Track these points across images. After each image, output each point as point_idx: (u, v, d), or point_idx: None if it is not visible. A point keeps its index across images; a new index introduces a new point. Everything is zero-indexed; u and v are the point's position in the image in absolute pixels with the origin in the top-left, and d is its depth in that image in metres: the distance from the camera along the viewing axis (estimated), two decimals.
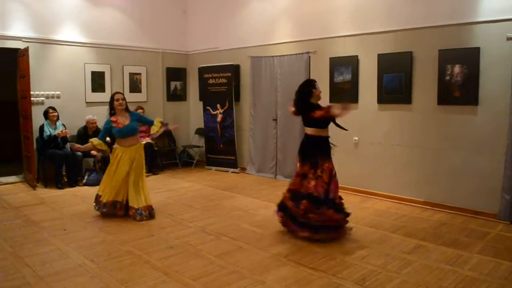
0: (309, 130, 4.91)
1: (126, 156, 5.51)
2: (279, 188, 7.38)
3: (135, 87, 9.19)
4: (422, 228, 5.23)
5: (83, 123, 7.88)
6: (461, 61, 5.74)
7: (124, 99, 5.62)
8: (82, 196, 6.81)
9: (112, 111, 5.62)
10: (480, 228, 5.24)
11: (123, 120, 5.56)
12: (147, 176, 8.36)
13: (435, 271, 3.95)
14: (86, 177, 7.68)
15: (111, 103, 5.61)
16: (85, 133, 7.82)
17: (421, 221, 5.54)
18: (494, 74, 5.51)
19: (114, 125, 5.53)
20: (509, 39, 5.34)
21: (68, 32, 8.19)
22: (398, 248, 4.53)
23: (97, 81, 8.60)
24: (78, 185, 7.54)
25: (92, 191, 7.14)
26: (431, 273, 3.91)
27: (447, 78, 5.88)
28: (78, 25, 8.32)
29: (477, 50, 5.61)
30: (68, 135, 7.57)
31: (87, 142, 7.66)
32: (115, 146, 5.66)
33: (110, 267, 4.01)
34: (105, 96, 8.67)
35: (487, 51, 5.55)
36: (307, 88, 4.99)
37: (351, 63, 6.94)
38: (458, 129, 5.86)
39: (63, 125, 7.61)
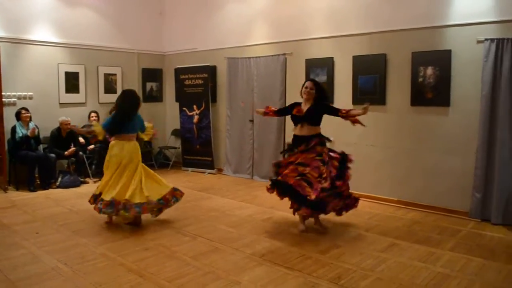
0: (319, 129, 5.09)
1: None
2: (256, 188, 7.43)
3: (110, 88, 9.08)
4: (395, 227, 5.32)
5: (56, 125, 7.74)
6: (433, 63, 5.87)
7: None
8: (55, 199, 6.69)
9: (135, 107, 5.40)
10: (452, 226, 5.36)
11: None
12: None
13: (408, 269, 4.02)
14: (59, 179, 7.54)
15: (137, 100, 5.46)
16: (58, 135, 7.69)
17: (395, 220, 5.63)
18: (465, 76, 5.65)
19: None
20: (479, 42, 5.48)
21: (41, 32, 8.04)
22: (372, 247, 4.59)
23: (71, 82, 8.47)
24: (51, 188, 7.39)
25: (66, 193, 7.06)
26: (404, 270, 3.98)
27: (420, 79, 6.00)
28: (52, 24, 8.17)
29: (448, 53, 5.74)
30: (36, 133, 7.37)
31: (60, 144, 7.64)
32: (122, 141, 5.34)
33: (84, 270, 3.95)
34: (79, 97, 8.58)
35: (458, 54, 5.69)
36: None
37: (327, 64, 7.01)
38: (431, 129, 5.99)
39: (36, 126, 7.46)
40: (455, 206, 5.80)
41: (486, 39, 5.38)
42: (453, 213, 5.80)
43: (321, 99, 5.07)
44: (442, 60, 5.79)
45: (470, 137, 5.63)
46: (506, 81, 5.27)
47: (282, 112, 5.57)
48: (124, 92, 5.59)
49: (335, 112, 5.00)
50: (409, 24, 6.09)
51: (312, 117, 5.00)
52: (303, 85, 5.13)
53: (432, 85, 5.91)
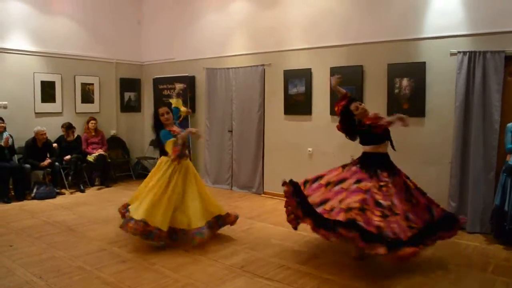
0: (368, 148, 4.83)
1: (183, 169, 5.09)
2: (235, 199, 7.41)
3: (87, 97, 8.98)
4: None
5: (32, 135, 7.59)
6: (409, 75, 5.99)
7: (169, 112, 5.12)
8: (30, 211, 6.54)
9: (157, 125, 5.15)
10: None
11: (177, 129, 5.14)
12: (99, 189, 8.22)
13: (387, 276, 4.06)
14: (35, 190, 7.37)
15: (156, 117, 5.14)
16: (33, 145, 7.54)
17: None
18: (439, 87, 5.79)
19: (172, 133, 5.05)
20: (452, 54, 5.63)
21: (17, 40, 7.90)
22: (350, 256, 4.60)
23: (47, 91, 8.33)
24: (26, 199, 7.22)
25: (41, 204, 6.91)
26: (384, 278, 4.02)
27: (396, 91, 6.11)
28: (27, 33, 8.04)
29: (423, 65, 5.88)
30: (10, 142, 7.21)
31: (36, 154, 7.50)
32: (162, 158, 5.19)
33: (60, 284, 3.87)
34: (55, 107, 8.45)
35: (432, 66, 5.83)
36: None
37: (305, 76, 7.08)
38: (407, 139, 6.06)
39: (10, 136, 7.30)
40: None
41: (459, 52, 5.53)
42: None
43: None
44: (417, 72, 5.92)
45: (445, 146, 5.75)
46: (478, 93, 5.42)
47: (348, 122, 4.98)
48: None
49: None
50: (385, 37, 6.22)
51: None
52: (355, 107, 4.76)
53: (408, 96, 6.03)
